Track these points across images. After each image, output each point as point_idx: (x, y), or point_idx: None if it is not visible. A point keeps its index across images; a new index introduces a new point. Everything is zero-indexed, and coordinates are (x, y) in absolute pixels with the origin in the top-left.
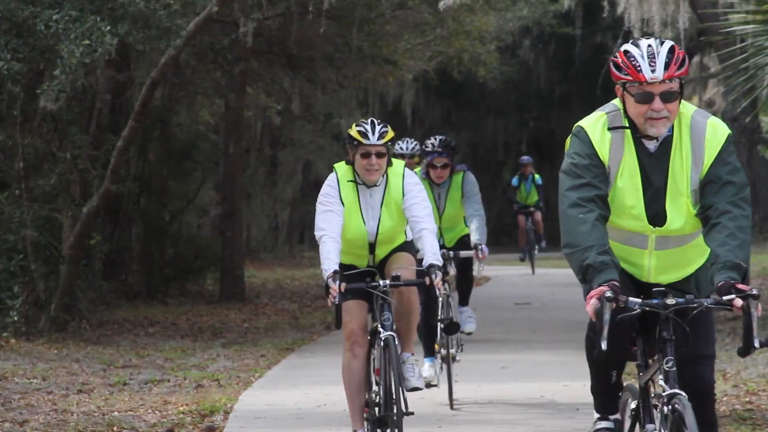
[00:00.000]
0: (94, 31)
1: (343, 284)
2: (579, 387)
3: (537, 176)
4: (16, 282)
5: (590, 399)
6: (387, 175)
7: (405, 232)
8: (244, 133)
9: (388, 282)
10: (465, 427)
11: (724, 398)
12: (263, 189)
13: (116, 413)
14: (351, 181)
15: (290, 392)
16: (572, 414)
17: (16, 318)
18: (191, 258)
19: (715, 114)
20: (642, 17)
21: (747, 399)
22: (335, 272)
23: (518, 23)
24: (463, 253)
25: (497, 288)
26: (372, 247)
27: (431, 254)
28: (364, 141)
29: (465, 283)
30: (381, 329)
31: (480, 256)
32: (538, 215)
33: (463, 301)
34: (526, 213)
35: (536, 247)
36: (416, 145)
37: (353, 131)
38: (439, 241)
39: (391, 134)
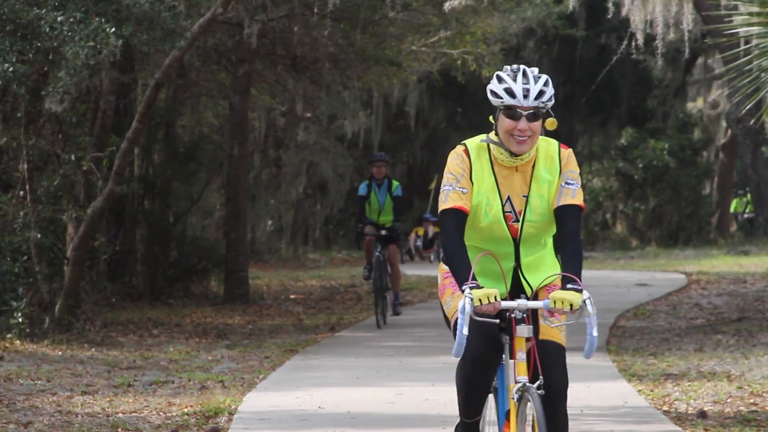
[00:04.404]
0: (98, 32)
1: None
2: (583, 388)
3: None
4: (20, 283)
5: (592, 400)
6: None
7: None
8: (249, 134)
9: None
10: None
11: (729, 399)
12: (267, 190)
13: (120, 414)
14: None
15: (294, 394)
16: (576, 416)
17: (20, 319)
18: (195, 259)
19: (719, 116)
20: (646, 18)
21: (751, 401)
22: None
23: (522, 24)
24: None
25: None
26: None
27: None
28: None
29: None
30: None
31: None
32: None
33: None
34: None
35: None
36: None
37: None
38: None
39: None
